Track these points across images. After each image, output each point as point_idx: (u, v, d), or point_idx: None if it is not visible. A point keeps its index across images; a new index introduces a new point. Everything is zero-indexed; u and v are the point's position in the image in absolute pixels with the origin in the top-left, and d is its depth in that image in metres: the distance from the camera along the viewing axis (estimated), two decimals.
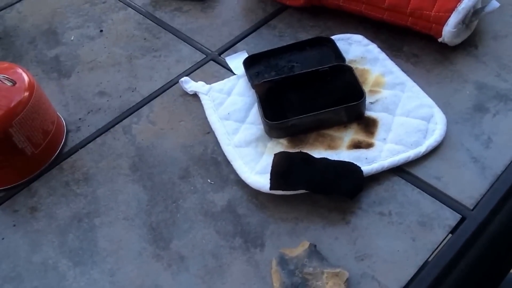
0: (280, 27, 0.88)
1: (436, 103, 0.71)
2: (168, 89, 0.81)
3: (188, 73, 0.83)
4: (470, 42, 0.79)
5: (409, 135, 0.67)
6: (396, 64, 0.77)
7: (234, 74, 0.80)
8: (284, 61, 0.79)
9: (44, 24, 0.97)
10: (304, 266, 0.57)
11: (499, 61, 0.77)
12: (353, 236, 0.61)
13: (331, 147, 0.68)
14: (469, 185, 0.63)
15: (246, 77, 0.78)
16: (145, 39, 0.91)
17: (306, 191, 0.64)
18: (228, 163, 0.70)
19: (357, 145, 0.68)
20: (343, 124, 0.70)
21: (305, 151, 0.67)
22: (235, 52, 0.84)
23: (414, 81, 0.74)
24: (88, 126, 0.78)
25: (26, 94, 0.68)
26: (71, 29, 0.95)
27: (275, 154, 0.66)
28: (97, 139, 0.76)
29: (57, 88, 0.84)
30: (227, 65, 0.83)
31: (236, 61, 0.82)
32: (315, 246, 0.59)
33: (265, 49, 0.81)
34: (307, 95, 0.72)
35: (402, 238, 0.60)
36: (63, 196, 0.70)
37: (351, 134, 0.69)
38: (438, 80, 0.75)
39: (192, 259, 0.62)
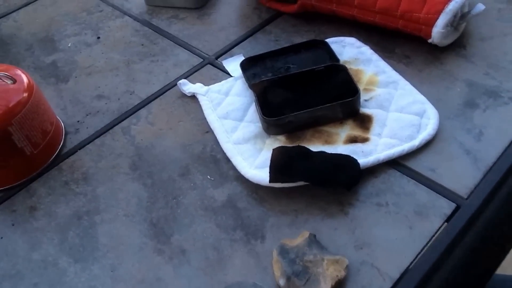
0: (276, 32, 0.90)
1: (429, 100, 0.73)
2: (166, 91, 0.83)
3: (185, 76, 0.84)
4: (459, 43, 0.82)
5: (403, 130, 0.69)
6: (388, 64, 0.79)
7: (231, 76, 0.82)
8: (280, 63, 0.81)
9: (41, 32, 0.99)
10: (304, 255, 0.58)
11: (487, 60, 0.79)
12: (352, 226, 0.62)
13: (328, 142, 0.70)
14: (462, 175, 0.65)
15: (243, 78, 0.80)
16: (142, 45, 0.92)
17: (305, 184, 0.65)
18: (227, 160, 0.71)
19: (353, 140, 0.69)
20: (339, 120, 0.72)
21: None
22: (232, 56, 0.86)
23: (407, 80, 0.76)
24: (87, 128, 0.79)
25: (26, 93, 0.69)
26: (68, 37, 0.97)
27: (273, 149, 0.67)
28: (96, 140, 0.77)
29: (55, 92, 0.85)
30: (224, 68, 0.84)
31: (233, 64, 0.84)
32: (314, 235, 0.60)
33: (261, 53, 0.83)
34: (303, 94, 0.74)
35: (399, 227, 0.61)
36: (62, 196, 0.71)
37: (347, 129, 0.71)
38: (430, 79, 0.77)
39: (194, 252, 0.62)
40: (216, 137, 0.74)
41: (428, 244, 0.59)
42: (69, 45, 0.94)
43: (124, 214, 0.67)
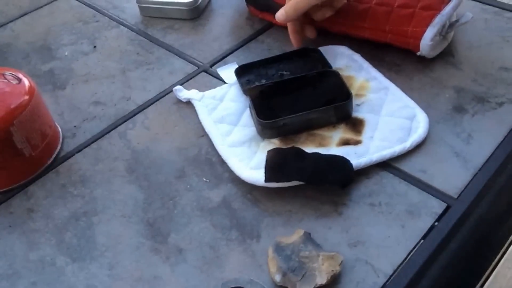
0: (268, 42, 0.93)
1: (418, 105, 0.75)
2: (162, 97, 0.84)
3: (181, 83, 0.86)
4: (447, 52, 0.84)
5: (394, 133, 0.71)
6: (379, 72, 0.81)
7: (226, 83, 0.84)
8: (274, 70, 0.83)
9: (37, 41, 1.00)
10: (300, 251, 0.59)
11: (474, 68, 0.81)
12: (346, 226, 0.64)
13: (321, 144, 0.71)
14: (452, 176, 0.67)
15: (237, 85, 0.81)
16: (138, 53, 0.94)
17: (299, 185, 0.66)
18: (222, 162, 0.72)
19: (346, 143, 0.71)
20: (332, 124, 0.74)
21: None
22: (226, 64, 0.88)
23: (397, 87, 0.79)
24: (84, 132, 0.80)
25: (27, 96, 0.71)
26: (64, 46, 0.98)
27: (268, 151, 0.68)
28: (93, 144, 0.78)
29: (52, 99, 0.87)
30: (219, 76, 0.86)
31: (227, 71, 0.86)
32: (309, 233, 0.62)
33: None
34: (297, 98, 0.76)
35: (392, 225, 0.63)
36: (60, 198, 0.71)
37: (340, 133, 0.73)
38: (419, 86, 0.80)
39: (190, 251, 0.63)
40: (211, 141, 0.75)
41: (420, 242, 0.61)
42: (66, 54, 0.96)
43: (121, 215, 0.68)
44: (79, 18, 1.05)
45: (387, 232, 0.62)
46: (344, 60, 0.84)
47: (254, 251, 0.62)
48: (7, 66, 0.90)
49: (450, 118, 0.74)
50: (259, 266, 0.61)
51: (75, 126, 0.81)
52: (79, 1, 1.10)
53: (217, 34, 0.96)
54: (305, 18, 0.85)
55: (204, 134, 0.77)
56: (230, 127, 0.75)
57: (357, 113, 0.75)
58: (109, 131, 0.80)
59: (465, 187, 0.66)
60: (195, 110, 0.80)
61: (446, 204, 0.64)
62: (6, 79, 0.71)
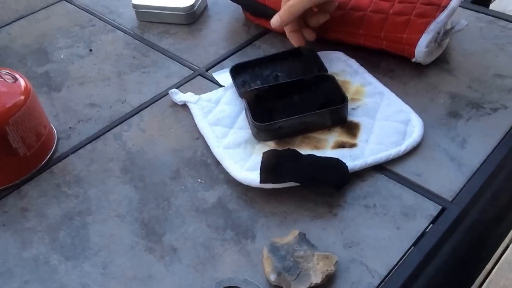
0: (264, 47, 0.93)
1: (413, 110, 0.76)
2: (157, 100, 0.84)
3: (176, 86, 0.86)
4: (442, 58, 0.85)
5: (389, 136, 0.71)
6: (374, 77, 0.82)
7: (222, 86, 0.84)
8: (269, 71, 0.83)
9: (34, 44, 1.00)
10: (295, 251, 0.59)
11: (469, 74, 0.82)
12: (341, 227, 0.64)
13: (316, 147, 0.71)
14: (447, 180, 0.67)
15: (233, 88, 0.82)
16: (134, 57, 0.94)
17: (294, 186, 0.66)
18: (217, 164, 0.72)
19: (341, 145, 0.71)
20: (327, 127, 0.74)
21: None
22: (222, 69, 0.88)
23: (392, 92, 0.79)
24: (79, 134, 0.80)
25: (23, 95, 0.71)
26: (60, 49, 0.98)
27: (264, 152, 0.69)
28: (88, 145, 0.78)
29: (47, 101, 0.86)
30: (215, 79, 0.86)
31: (223, 75, 0.86)
32: (304, 234, 0.61)
33: None
34: (293, 102, 0.76)
35: (387, 227, 0.63)
36: (54, 197, 0.71)
37: (335, 136, 0.73)
38: (414, 92, 0.80)
39: (185, 251, 0.63)
40: (206, 143, 0.75)
41: (415, 244, 0.61)
42: (61, 57, 0.96)
43: (115, 214, 0.68)
44: (76, 22, 1.05)
45: (382, 233, 0.62)
46: (340, 65, 0.85)
47: (249, 251, 0.62)
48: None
49: (444, 123, 0.75)
50: (254, 266, 0.60)
51: (70, 128, 0.81)
52: (76, 6, 1.11)
53: (213, 39, 0.97)
54: (300, 23, 0.86)
55: (200, 137, 0.77)
56: (225, 130, 0.76)
57: (353, 117, 0.75)
58: (104, 133, 0.80)
59: (460, 191, 0.66)
60: (190, 113, 0.80)
61: (441, 207, 0.64)
62: (2, 78, 0.71)
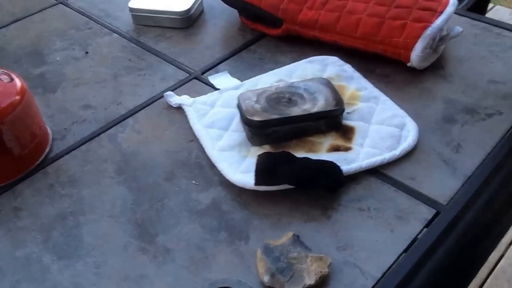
0: (260, 52, 0.93)
1: (408, 115, 0.76)
2: (152, 103, 0.84)
3: (172, 89, 0.86)
4: (437, 64, 0.85)
5: (384, 141, 0.72)
6: (370, 82, 0.82)
7: (217, 89, 0.84)
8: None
9: (29, 46, 1.00)
10: (288, 252, 0.59)
11: (464, 80, 0.83)
12: (335, 229, 0.64)
13: (311, 150, 0.72)
14: (442, 184, 0.67)
15: (228, 91, 0.82)
16: (129, 60, 0.94)
17: (288, 189, 0.66)
18: (212, 166, 0.72)
19: (336, 149, 0.71)
20: (322, 132, 0.74)
21: None
22: (217, 72, 0.89)
23: (387, 97, 0.79)
24: (74, 135, 0.80)
25: (19, 95, 0.71)
26: (56, 51, 0.98)
27: (258, 155, 0.69)
28: (82, 146, 0.78)
29: (42, 102, 0.86)
30: (210, 83, 0.86)
31: (218, 79, 0.86)
32: (298, 236, 0.61)
33: (246, 71, 0.87)
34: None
35: (381, 230, 0.63)
36: (47, 197, 0.71)
37: (330, 139, 0.73)
38: (409, 97, 0.81)
39: (178, 252, 0.63)
40: (201, 145, 0.75)
41: (409, 247, 0.61)
42: (57, 59, 0.96)
43: (109, 215, 0.68)
44: (72, 25, 1.05)
45: (376, 236, 0.62)
46: (335, 70, 0.85)
47: (243, 252, 0.62)
48: None
49: (439, 128, 0.75)
50: (247, 267, 0.60)
51: (65, 129, 0.81)
52: (72, 9, 1.11)
53: (209, 43, 0.97)
54: None
55: (194, 139, 0.77)
56: (220, 132, 0.76)
57: (348, 121, 0.75)
58: (99, 134, 0.80)
59: (454, 195, 0.66)
60: (185, 116, 0.80)
61: (436, 211, 0.64)
62: None
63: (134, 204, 0.69)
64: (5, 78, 0.72)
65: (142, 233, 0.65)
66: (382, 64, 0.86)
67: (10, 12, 1.12)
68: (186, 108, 0.81)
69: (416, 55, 0.81)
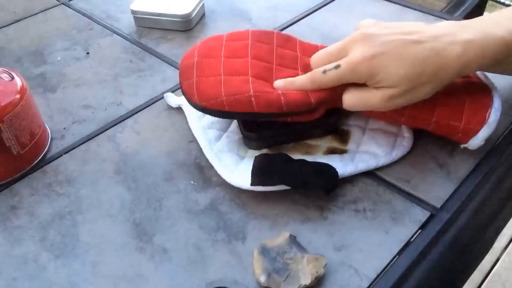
0: None
1: None
2: (152, 103, 0.85)
3: (172, 90, 0.87)
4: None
5: (380, 144, 0.72)
6: None
7: None
8: None
9: (30, 46, 1.01)
10: (285, 253, 0.59)
11: None
12: (331, 230, 0.64)
13: (308, 152, 0.72)
14: (436, 187, 0.68)
15: None
16: (130, 61, 0.95)
17: (285, 190, 0.67)
18: (210, 167, 0.73)
19: (332, 151, 0.72)
20: (319, 136, 0.75)
21: None
22: None
23: None
24: (73, 134, 0.81)
25: (19, 94, 0.71)
26: (57, 51, 0.99)
27: (256, 156, 0.69)
28: (81, 146, 0.79)
29: (42, 101, 0.87)
30: None
31: None
32: (295, 237, 0.62)
33: None
34: None
35: (376, 231, 0.63)
36: (45, 196, 0.71)
37: (327, 142, 0.74)
38: None
39: (175, 251, 0.63)
40: (200, 146, 0.76)
41: (404, 248, 0.61)
42: (58, 59, 0.97)
43: (106, 214, 0.68)
44: (74, 26, 1.06)
45: (371, 237, 0.63)
46: None
47: (240, 252, 0.62)
48: None
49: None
50: (244, 268, 0.61)
51: (64, 128, 0.82)
52: (74, 10, 1.12)
53: None
54: None
55: (193, 140, 0.77)
56: (219, 133, 0.76)
57: (344, 125, 0.76)
58: (98, 134, 0.80)
59: (449, 198, 0.67)
60: (185, 117, 0.81)
61: (430, 213, 0.65)
62: None
63: (132, 204, 0.69)
64: (5, 76, 0.72)
65: (140, 233, 0.66)
66: None
67: (12, 11, 1.13)
68: (185, 109, 0.81)
69: (476, 143, 0.69)
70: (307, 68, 0.72)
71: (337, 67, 0.65)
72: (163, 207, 0.68)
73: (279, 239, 0.62)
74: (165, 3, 1.02)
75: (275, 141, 0.73)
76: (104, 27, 1.05)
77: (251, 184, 0.66)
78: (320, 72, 0.67)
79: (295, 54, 0.75)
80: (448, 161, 0.71)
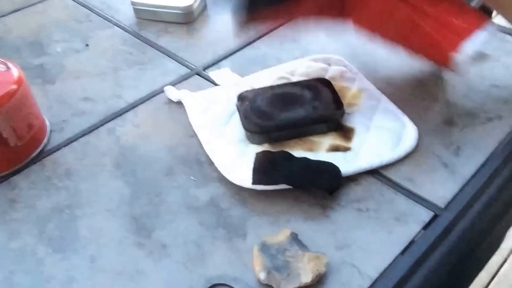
0: (264, 49, 0.93)
1: (409, 117, 0.75)
2: (153, 97, 0.84)
3: (173, 84, 0.85)
4: (439, 68, 0.85)
5: (384, 142, 0.71)
6: (372, 84, 0.82)
7: (217, 85, 0.84)
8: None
9: (29, 36, 0.99)
10: (285, 250, 0.59)
11: (466, 84, 0.83)
12: (333, 229, 0.63)
13: (310, 149, 0.71)
14: (440, 187, 0.67)
15: (228, 87, 0.82)
16: (131, 53, 0.94)
17: (287, 188, 0.66)
18: (211, 162, 0.72)
19: (335, 149, 0.71)
20: (322, 133, 0.74)
21: None
22: (219, 69, 0.88)
23: (389, 99, 0.79)
24: (72, 127, 0.80)
25: (15, 85, 0.70)
26: (57, 42, 0.98)
27: (257, 153, 0.68)
28: (81, 139, 0.78)
29: (40, 92, 0.86)
30: (211, 79, 0.86)
31: (219, 74, 0.86)
32: (296, 234, 0.61)
33: (249, 67, 0.86)
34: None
35: (379, 231, 0.63)
36: (44, 189, 0.70)
37: (330, 139, 0.73)
38: (411, 98, 0.80)
39: (175, 248, 0.62)
40: (200, 141, 0.74)
41: (407, 248, 0.61)
42: (57, 50, 0.95)
43: (105, 209, 0.67)
44: (73, 17, 1.05)
45: (374, 237, 0.62)
46: (338, 70, 0.85)
47: (240, 249, 0.62)
48: None
49: (439, 131, 0.75)
50: (244, 265, 0.60)
51: (63, 120, 0.81)
52: (74, 0, 1.10)
53: (212, 39, 0.96)
54: None
55: (194, 135, 0.76)
56: (219, 128, 0.75)
57: (348, 122, 0.75)
58: (98, 127, 0.79)
59: (453, 198, 0.66)
60: (185, 110, 0.80)
61: (434, 213, 0.64)
62: None
63: (132, 198, 0.68)
64: (1, 66, 0.71)
65: (139, 228, 0.65)
66: (386, 65, 0.86)
67: (10, 1, 1.11)
68: (185, 103, 0.80)
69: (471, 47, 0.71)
70: None
71: None
72: (163, 202, 0.67)
73: (280, 236, 0.61)
74: None
75: (277, 136, 0.72)
76: (104, 19, 1.04)
77: (252, 183, 0.65)
78: None
79: None
80: (453, 160, 0.70)
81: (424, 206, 0.65)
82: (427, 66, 0.84)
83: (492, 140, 0.73)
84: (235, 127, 0.75)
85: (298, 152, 0.70)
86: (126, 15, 1.04)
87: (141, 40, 0.97)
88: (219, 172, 0.70)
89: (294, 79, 0.82)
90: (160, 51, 0.94)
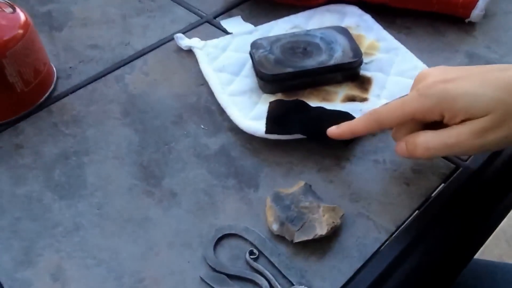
0: None
1: (429, 68, 0.72)
2: (162, 45, 0.81)
3: (183, 32, 0.82)
4: (460, 18, 0.81)
5: (402, 92, 0.68)
6: (389, 33, 0.79)
7: (229, 33, 0.81)
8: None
9: None
10: (299, 201, 0.57)
11: (488, 35, 0.79)
12: (348, 180, 0.61)
13: (325, 99, 0.69)
14: None
15: (241, 36, 0.79)
16: (139, 1, 0.91)
17: (300, 138, 0.64)
18: (222, 111, 0.69)
19: (351, 99, 0.68)
20: (339, 82, 0.71)
21: None
22: (230, 17, 0.85)
23: (407, 49, 0.76)
24: (79, 74, 0.77)
25: (22, 29, 0.67)
26: None
27: (270, 102, 0.66)
28: (88, 86, 0.75)
29: (47, 39, 0.83)
30: (222, 27, 0.83)
31: (231, 23, 0.83)
32: (310, 185, 0.59)
33: (261, 17, 0.83)
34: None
35: (396, 183, 0.60)
36: (50, 136, 0.68)
37: (346, 89, 0.70)
38: (430, 49, 0.77)
39: (184, 196, 0.61)
40: (211, 89, 0.72)
41: (426, 201, 0.58)
42: None
43: (113, 156, 0.65)
44: None
45: (391, 189, 0.60)
46: (354, 20, 0.81)
47: (251, 199, 0.60)
48: None
49: None
50: (256, 215, 0.58)
51: (70, 67, 0.78)
52: None
53: None
54: None
55: (204, 83, 0.74)
56: (231, 77, 0.72)
57: (365, 71, 0.72)
58: (106, 74, 0.77)
59: None
60: (195, 59, 0.77)
61: (454, 166, 0.62)
62: (0, 8, 0.68)
63: (140, 146, 0.66)
64: (8, 9, 0.68)
65: (148, 176, 0.63)
66: (403, 15, 0.82)
67: None
68: (196, 51, 0.77)
69: (477, 14, 0.78)
70: None
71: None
72: (172, 150, 0.65)
73: (294, 187, 0.59)
74: None
75: (291, 85, 0.69)
76: None
77: (266, 132, 0.63)
78: None
79: None
80: None
81: (444, 158, 0.62)
82: (446, 16, 0.80)
83: None
84: (248, 75, 0.72)
85: (313, 103, 0.67)
86: None
87: None
88: (229, 121, 0.67)
89: (309, 27, 0.79)
90: None
